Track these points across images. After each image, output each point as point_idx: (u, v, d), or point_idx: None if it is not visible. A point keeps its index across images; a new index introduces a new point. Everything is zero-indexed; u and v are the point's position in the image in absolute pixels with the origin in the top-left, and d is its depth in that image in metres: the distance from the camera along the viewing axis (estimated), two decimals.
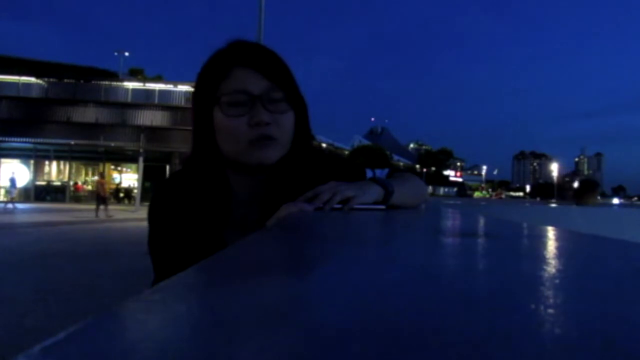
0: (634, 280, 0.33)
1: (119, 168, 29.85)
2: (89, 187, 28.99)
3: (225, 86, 0.85)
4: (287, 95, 0.86)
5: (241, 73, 0.85)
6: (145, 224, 0.97)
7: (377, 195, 0.89)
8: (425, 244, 0.54)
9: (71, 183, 27.72)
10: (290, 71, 0.90)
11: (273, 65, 0.86)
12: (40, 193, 26.14)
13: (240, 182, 0.91)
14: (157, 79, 36.32)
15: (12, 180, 20.88)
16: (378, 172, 1.09)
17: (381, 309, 0.22)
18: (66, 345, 0.16)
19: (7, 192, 20.83)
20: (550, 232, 0.65)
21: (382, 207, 0.91)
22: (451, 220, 0.92)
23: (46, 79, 29.34)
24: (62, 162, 28.01)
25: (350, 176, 1.02)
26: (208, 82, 0.87)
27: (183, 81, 29.96)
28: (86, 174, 29.72)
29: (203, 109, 0.88)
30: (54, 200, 25.76)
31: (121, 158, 28.24)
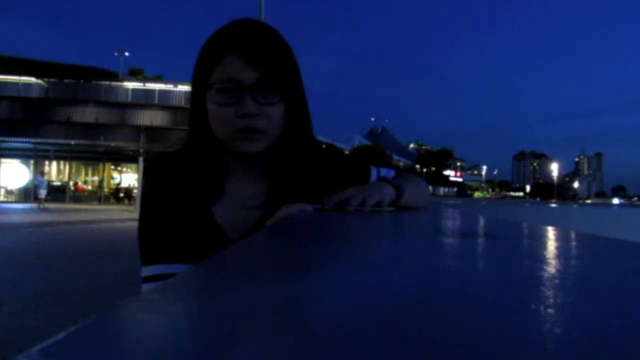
0: (634, 280, 0.33)
1: (119, 168, 29.85)
2: (89, 187, 29.03)
3: (217, 74, 0.85)
4: (279, 86, 0.85)
5: (233, 61, 0.84)
6: None
7: (391, 195, 0.92)
8: (425, 244, 0.54)
9: (71, 183, 27.71)
10: (288, 58, 0.88)
11: (267, 54, 0.85)
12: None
13: (234, 162, 0.93)
14: (157, 79, 36.34)
15: (40, 182, 20.52)
16: (384, 171, 1.09)
17: (381, 310, 0.22)
18: (66, 345, 0.16)
19: (35, 193, 20.45)
20: (550, 232, 0.65)
21: (392, 208, 0.92)
22: (451, 220, 0.92)
23: (46, 79, 29.36)
24: (62, 162, 28.03)
25: (355, 174, 1.03)
26: (202, 68, 0.88)
27: (183, 81, 29.95)
28: (86, 174, 29.73)
29: (198, 92, 0.89)
30: (54, 200, 25.75)
31: (121, 158, 28.23)
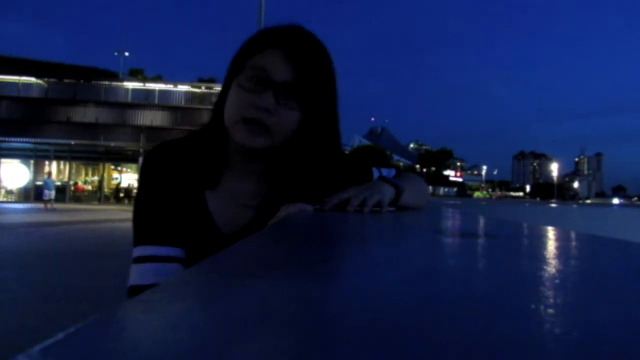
0: (634, 280, 0.33)
1: (119, 168, 29.83)
2: (89, 187, 29.02)
3: (254, 60, 0.85)
4: (305, 93, 0.85)
5: (273, 54, 0.84)
6: None
7: (390, 195, 0.91)
8: (425, 244, 0.54)
9: (71, 183, 27.70)
10: (326, 72, 0.88)
11: (307, 60, 0.85)
12: (41, 193, 26.10)
13: (236, 158, 0.92)
14: (157, 79, 36.34)
15: (48, 183, 20.14)
16: (385, 171, 1.09)
17: (382, 310, 0.22)
18: (66, 345, 0.16)
19: (42, 193, 20.18)
20: (550, 232, 0.65)
21: (392, 208, 0.92)
22: (451, 220, 0.92)
23: (46, 79, 29.33)
24: (62, 162, 27.99)
25: (357, 176, 1.03)
26: (243, 52, 0.88)
27: (183, 81, 30.00)
28: (86, 174, 29.71)
29: (230, 77, 0.89)
30: (54, 200, 25.75)
31: (121, 158, 28.22)
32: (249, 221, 0.92)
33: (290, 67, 0.83)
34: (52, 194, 20.21)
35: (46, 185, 20.20)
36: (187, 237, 0.89)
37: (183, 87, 29.55)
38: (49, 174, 23.27)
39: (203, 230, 0.90)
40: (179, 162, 0.91)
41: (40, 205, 20.10)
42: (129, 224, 0.91)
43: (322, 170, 0.94)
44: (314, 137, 0.90)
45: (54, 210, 18.47)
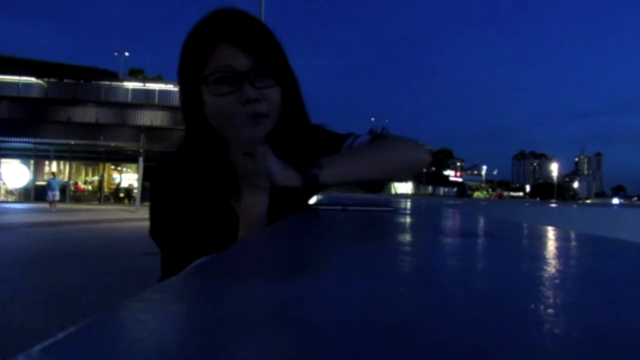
0: (634, 280, 0.33)
1: (119, 168, 29.83)
2: (89, 187, 29.02)
3: (211, 64, 0.83)
4: (272, 70, 0.85)
5: (226, 49, 0.83)
6: (145, 223, 0.97)
7: (293, 181, 0.80)
8: (426, 243, 0.54)
9: (71, 183, 27.69)
10: (276, 43, 0.88)
11: (258, 39, 0.85)
12: (41, 193, 26.07)
13: (238, 148, 0.90)
14: (157, 79, 36.37)
15: (52, 183, 19.84)
16: (362, 137, 1.00)
17: (382, 310, 0.22)
18: (66, 345, 0.16)
19: (47, 194, 19.92)
20: (550, 232, 0.65)
21: (391, 208, 0.92)
22: (451, 220, 0.92)
23: (46, 79, 29.30)
24: (62, 162, 27.98)
25: (327, 145, 0.96)
26: (193, 59, 0.86)
27: None
28: (86, 174, 29.70)
29: (190, 86, 0.87)
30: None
31: (121, 158, 28.21)
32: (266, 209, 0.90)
33: (247, 52, 0.83)
34: (57, 194, 20.03)
35: (50, 185, 20.05)
36: (215, 242, 0.86)
37: None
38: (54, 173, 23.18)
39: (230, 230, 0.88)
40: (190, 173, 0.90)
41: (44, 206, 19.95)
42: (129, 224, 0.92)
43: (309, 143, 0.93)
44: (294, 105, 0.90)
45: (57, 210, 18.39)
